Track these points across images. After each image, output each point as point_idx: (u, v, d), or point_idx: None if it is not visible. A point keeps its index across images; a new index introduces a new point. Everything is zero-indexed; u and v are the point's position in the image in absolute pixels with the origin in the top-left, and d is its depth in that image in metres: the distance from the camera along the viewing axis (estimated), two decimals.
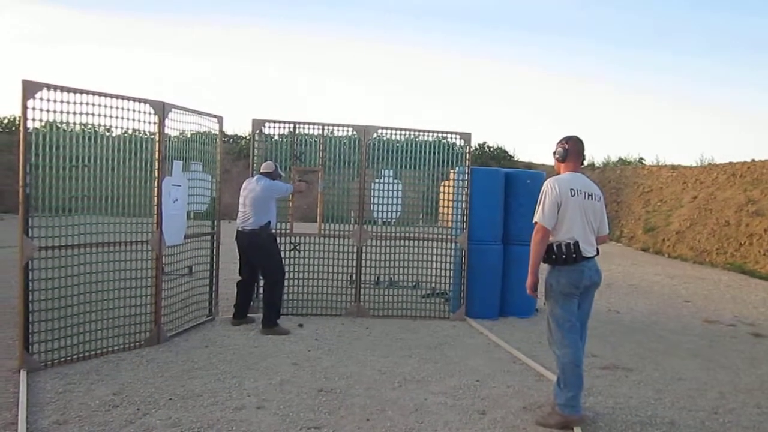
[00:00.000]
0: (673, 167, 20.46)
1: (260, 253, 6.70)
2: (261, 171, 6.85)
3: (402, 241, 7.66)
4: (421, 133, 7.67)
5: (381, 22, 54.79)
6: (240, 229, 6.69)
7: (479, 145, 28.11)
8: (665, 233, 17.44)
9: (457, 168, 7.69)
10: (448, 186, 7.80)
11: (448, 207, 7.77)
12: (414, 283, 8.15)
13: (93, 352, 5.40)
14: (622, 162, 24.88)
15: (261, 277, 7.00)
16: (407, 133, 7.59)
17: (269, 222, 6.72)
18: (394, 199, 7.69)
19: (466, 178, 7.55)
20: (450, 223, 7.82)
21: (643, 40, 50.69)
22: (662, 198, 19.33)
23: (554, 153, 4.45)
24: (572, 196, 4.19)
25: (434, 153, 7.63)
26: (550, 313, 4.35)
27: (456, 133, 7.65)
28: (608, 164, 25.02)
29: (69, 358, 5.22)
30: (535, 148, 58.81)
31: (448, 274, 7.76)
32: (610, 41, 52.35)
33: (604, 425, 4.30)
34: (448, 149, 7.71)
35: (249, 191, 6.67)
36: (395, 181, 7.71)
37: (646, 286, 11.15)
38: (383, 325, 7.11)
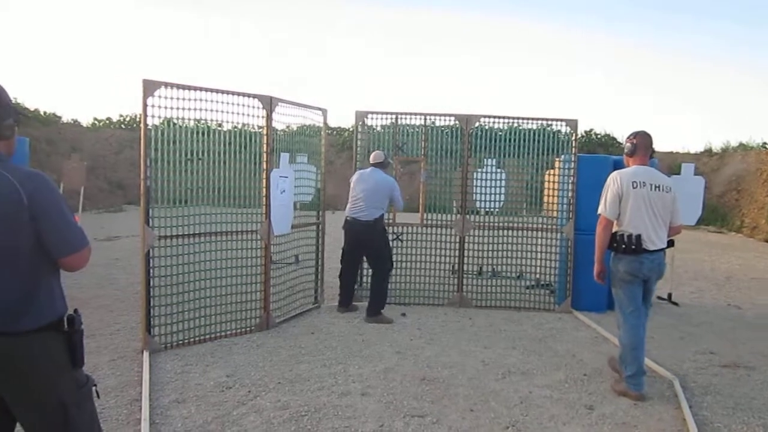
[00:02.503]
0: None
1: (373, 245, 6.75)
2: (372, 162, 6.83)
3: (505, 231, 7.54)
4: (525, 121, 7.49)
5: (482, 4, 53.96)
6: (351, 218, 6.68)
7: (586, 132, 27.12)
8: None
9: (562, 156, 7.46)
10: (554, 175, 7.58)
11: (553, 196, 7.57)
12: (518, 274, 8.00)
13: (208, 336, 5.69)
14: (743, 147, 23.24)
15: (370, 267, 7.01)
16: (510, 121, 7.45)
17: (383, 214, 6.79)
18: (497, 189, 7.57)
19: (573, 166, 7.32)
20: (555, 213, 7.61)
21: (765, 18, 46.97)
22: None
23: (623, 148, 4.74)
24: (634, 188, 4.41)
25: (538, 141, 7.44)
26: (614, 295, 4.66)
27: (561, 120, 7.42)
28: (727, 150, 23.44)
29: (186, 341, 5.53)
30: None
31: (553, 265, 7.57)
32: (726, 18, 48.87)
33: (722, 426, 4.06)
34: (553, 137, 7.50)
35: (366, 183, 6.65)
36: (498, 170, 7.59)
37: None
38: (486, 316, 7.04)
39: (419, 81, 53.02)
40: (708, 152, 23.17)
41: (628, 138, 4.70)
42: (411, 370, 5.03)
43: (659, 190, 4.47)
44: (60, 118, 26.34)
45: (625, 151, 4.70)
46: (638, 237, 4.37)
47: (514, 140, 7.49)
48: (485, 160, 7.58)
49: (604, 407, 4.32)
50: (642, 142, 4.59)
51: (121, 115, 28.97)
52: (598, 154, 11.59)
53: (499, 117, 7.38)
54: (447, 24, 54.52)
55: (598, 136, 27.56)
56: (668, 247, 4.57)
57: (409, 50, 55.35)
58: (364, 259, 7.05)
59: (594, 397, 4.51)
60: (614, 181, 4.50)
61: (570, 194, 7.31)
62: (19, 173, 2.12)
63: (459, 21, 54.49)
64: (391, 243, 7.47)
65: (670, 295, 8.18)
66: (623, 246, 4.41)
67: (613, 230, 4.49)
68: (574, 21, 51.55)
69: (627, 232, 4.41)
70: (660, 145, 24.33)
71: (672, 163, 18.54)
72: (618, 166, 7.65)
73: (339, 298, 7.02)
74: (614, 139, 27.39)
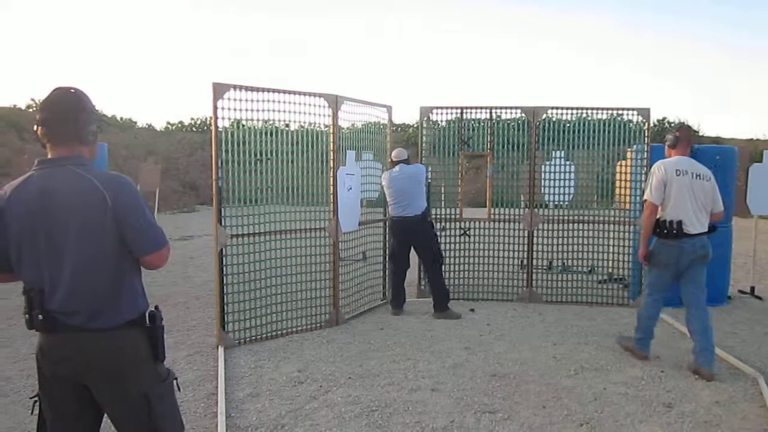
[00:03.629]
0: None
1: (424, 239, 6.69)
2: (397, 159, 6.73)
3: (575, 225, 7.37)
4: (594, 111, 7.30)
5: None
6: (398, 217, 6.63)
7: (658, 120, 26.26)
8: None
9: (634, 146, 7.23)
10: (625, 166, 7.36)
11: (625, 188, 7.34)
12: (589, 268, 7.80)
13: (279, 332, 5.81)
14: None
15: (423, 263, 6.96)
16: (579, 111, 7.28)
17: (427, 206, 6.75)
18: (567, 182, 7.40)
19: (645, 156, 7.08)
20: (628, 205, 7.38)
21: None
22: None
23: (665, 140, 5.13)
24: (677, 176, 4.74)
25: (609, 131, 7.23)
26: (648, 275, 5.15)
27: (633, 109, 7.18)
28: None
29: (259, 336, 5.66)
30: (722, 122, 53.59)
31: (626, 259, 7.34)
32: None
33: None
34: (624, 126, 7.28)
35: (400, 180, 6.58)
36: (567, 162, 7.41)
37: None
38: (557, 312, 6.90)
39: (484, 74, 52.48)
40: None
41: (671, 132, 5.13)
42: (481, 365, 4.99)
43: (700, 178, 4.79)
44: (135, 123, 27.46)
45: (668, 143, 5.05)
46: (680, 222, 4.71)
47: (584, 131, 7.30)
48: (553, 152, 7.42)
49: (684, 405, 4.16)
50: (684, 135, 5.01)
51: (192, 119, 30.00)
52: None
53: (568, 108, 7.22)
54: (514, 15, 53.70)
55: (672, 125, 26.59)
56: (710, 232, 4.85)
57: (474, 44, 54.81)
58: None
59: (672, 395, 4.35)
60: (659, 169, 4.83)
61: (644, 185, 7.06)
62: (103, 177, 2.22)
63: (526, 13, 53.59)
64: (458, 238, 7.44)
65: (752, 289, 7.82)
66: (665, 232, 4.77)
67: (657, 216, 4.83)
68: (644, 12, 49.87)
69: (670, 218, 4.75)
70: (739, 132, 23.27)
71: (753, 151, 17.71)
72: (695, 155, 7.38)
73: (393, 300, 6.88)
74: (689, 127, 26.37)
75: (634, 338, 5.15)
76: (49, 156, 2.25)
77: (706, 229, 4.79)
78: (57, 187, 2.16)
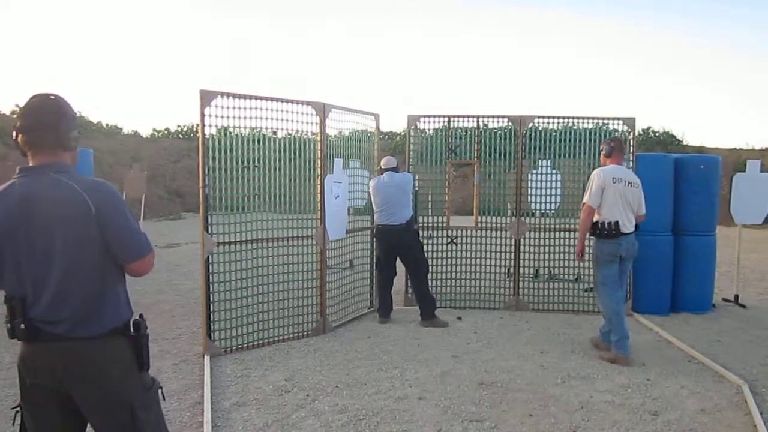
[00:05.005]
0: None
1: (411, 248, 6.69)
2: (386, 167, 6.72)
3: (562, 233, 7.40)
4: (580, 120, 7.36)
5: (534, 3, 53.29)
6: (383, 225, 6.61)
7: (643, 130, 26.45)
8: None
9: None
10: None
11: None
12: (575, 277, 7.84)
13: (266, 340, 5.78)
14: None
15: (408, 272, 6.95)
16: (565, 120, 7.33)
17: (413, 215, 6.76)
18: (553, 190, 7.44)
19: (631, 165, 7.13)
20: None
21: None
22: None
23: (601, 150, 5.71)
24: (614, 183, 5.31)
25: (594, 140, 7.28)
26: (596, 274, 5.58)
27: (618, 119, 7.26)
28: None
29: (245, 345, 5.63)
30: (706, 131, 54.17)
31: None
32: None
33: None
34: (610, 136, 7.32)
35: (387, 187, 6.57)
36: (553, 171, 7.46)
37: None
38: (544, 320, 6.92)
39: (471, 83, 52.75)
40: None
41: (605, 142, 5.69)
42: (468, 374, 4.98)
43: (631, 186, 5.42)
44: (121, 129, 27.30)
45: (603, 152, 5.62)
46: (616, 223, 5.29)
47: (570, 140, 7.36)
48: (540, 161, 7.47)
49: (669, 413, 4.18)
50: (617, 145, 5.59)
51: (178, 125, 29.84)
52: (657, 153, 11.27)
53: (554, 117, 7.28)
54: (497, 22, 54.06)
55: (657, 134, 26.84)
56: (636, 231, 5.49)
57: (459, 52, 55.11)
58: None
59: (658, 403, 4.37)
60: (598, 176, 5.37)
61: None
62: (85, 183, 2.19)
63: (510, 17, 53.96)
64: (444, 246, 7.44)
65: (737, 297, 7.89)
66: (605, 232, 5.33)
67: (594, 220, 5.39)
68: (630, 16, 50.39)
69: (607, 220, 5.30)
70: (722, 142, 23.55)
71: (737, 160, 17.90)
72: (680, 164, 7.48)
73: (379, 309, 6.84)
74: (673, 136, 26.61)
75: (612, 343, 5.35)
76: (31, 163, 2.23)
77: (634, 229, 5.46)
78: (39, 195, 2.14)
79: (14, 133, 2.23)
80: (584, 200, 5.46)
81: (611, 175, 5.35)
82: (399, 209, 6.56)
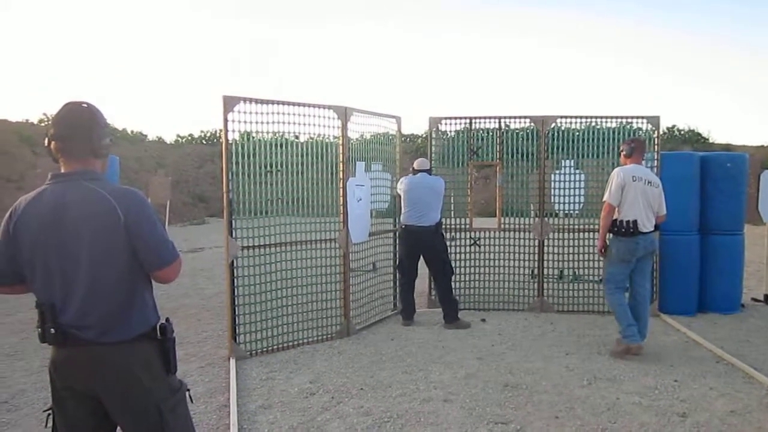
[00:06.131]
0: None
1: (437, 250, 6.69)
2: (420, 168, 6.76)
3: (586, 234, 7.33)
4: (603, 120, 7.30)
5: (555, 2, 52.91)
6: (411, 225, 6.60)
7: (668, 128, 26.15)
8: None
9: (644, 155, 7.20)
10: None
11: None
12: (600, 278, 7.75)
13: (291, 343, 5.81)
14: None
15: (433, 274, 6.93)
16: (588, 120, 7.27)
17: (441, 219, 6.80)
18: (576, 190, 7.39)
19: (655, 164, 7.05)
20: None
21: None
22: None
23: (621, 150, 5.69)
24: (633, 181, 5.35)
25: (618, 140, 7.20)
26: (604, 269, 5.68)
27: (642, 117, 7.18)
28: None
29: (270, 348, 5.67)
30: (733, 129, 53.31)
31: None
32: None
33: None
34: (634, 135, 7.26)
35: (422, 188, 6.60)
36: (577, 171, 7.40)
37: None
38: (568, 321, 6.87)
39: (492, 85, 52.50)
40: None
41: (625, 142, 5.70)
42: (493, 376, 4.96)
43: (651, 185, 5.44)
44: (146, 136, 27.61)
45: (624, 152, 5.61)
46: (635, 222, 5.32)
47: (593, 140, 7.30)
48: (563, 161, 7.41)
49: (698, 415, 4.13)
50: (638, 146, 5.60)
51: (201, 131, 30.14)
52: (682, 151, 11.13)
53: (577, 117, 7.22)
54: (518, 23, 53.77)
55: (682, 132, 26.50)
56: (655, 231, 5.53)
57: (481, 52, 54.91)
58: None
59: (687, 405, 4.31)
60: (618, 175, 5.40)
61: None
62: (116, 191, 2.23)
63: (531, 19, 53.64)
64: (467, 248, 7.42)
65: (766, 297, 7.75)
66: (623, 230, 5.35)
67: (614, 217, 5.42)
68: (654, 17, 49.82)
69: (626, 218, 5.34)
70: (749, 139, 23.17)
71: (764, 158, 17.60)
72: (706, 162, 7.38)
73: (403, 312, 6.84)
74: (699, 134, 26.24)
75: (621, 334, 5.43)
76: (63, 170, 2.27)
77: (653, 228, 5.48)
78: (70, 202, 2.18)
79: (46, 140, 2.27)
80: (604, 198, 5.51)
81: (631, 173, 5.38)
82: (429, 211, 6.58)
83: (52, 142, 2.26)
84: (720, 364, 5.25)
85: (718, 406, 4.27)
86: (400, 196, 6.86)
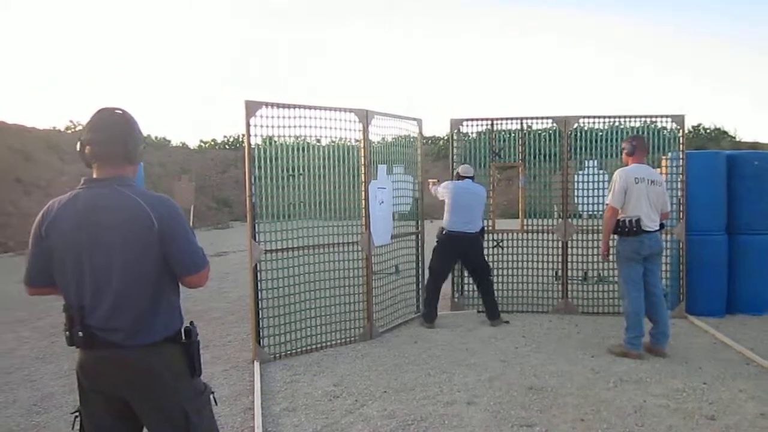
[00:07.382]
0: None
1: (480, 255, 6.89)
2: (465, 174, 6.87)
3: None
4: (627, 119, 7.22)
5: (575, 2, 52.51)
6: (458, 231, 6.64)
7: (693, 127, 25.79)
8: None
9: (669, 154, 7.12)
10: (660, 174, 7.23)
11: None
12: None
13: (314, 346, 5.83)
14: None
15: (476, 278, 6.96)
16: (611, 120, 7.20)
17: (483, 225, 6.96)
18: (600, 191, 7.31)
19: (681, 164, 6.96)
20: None
21: None
22: None
23: (623, 149, 5.66)
24: (636, 182, 5.34)
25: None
26: (619, 273, 5.61)
27: (667, 116, 7.09)
28: None
29: (294, 351, 5.69)
30: (759, 127, 52.39)
31: (664, 268, 7.19)
32: None
33: None
34: (658, 134, 7.17)
35: (471, 194, 6.72)
36: (600, 171, 7.33)
37: None
38: (593, 323, 6.80)
39: (515, 84, 52.23)
40: None
41: (627, 140, 5.63)
42: (517, 378, 4.93)
43: (654, 184, 5.43)
44: (170, 142, 27.93)
45: (626, 151, 5.58)
46: (638, 220, 5.33)
47: (617, 140, 7.22)
48: (586, 161, 7.35)
49: (727, 418, 4.06)
50: (640, 144, 5.54)
51: (224, 136, 30.41)
52: (708, 150, 10.96)
53: (600, 117, 7.16)
54: (538, 24, 53.45)
55: (708, 131, 26.12)
56: (660, 229, 5.53)
57: (502, 53, 54.68)
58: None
59: (715, 407, 4.24)
60: (620, 177, 5.39)
61: (680, 193, 6.95)
62: (149, 197, 2.26)
63: (552, 19, 53.29)
64: (491, 250, 7.41)
65: None
66: (626, 229, 5.38)
67: (618, 218, 5.41)
68: (676, 17, 49.22)
69: (629, 218, 5.35)
70: None
71: None
72: (733, 160, 7.26)
73: (427, 314, 6.81)
74: (725, 133, 25.83)
75: (626, 338, 5.45)
76: (95, 175, 2.30)
77: (658, 227, 5.48)
78: (103, 206, 2.21)
79: (79, 145, 2.30)
80: (607, 201, 5.52)
81: (633, 175, 5.37)
82: (476, 218, 6.73)
83: (86, 147, 2.29)
84: (750, 366, 5.17)
85: (748, 409, 4.19)
86: (418, 199, 6.90)
